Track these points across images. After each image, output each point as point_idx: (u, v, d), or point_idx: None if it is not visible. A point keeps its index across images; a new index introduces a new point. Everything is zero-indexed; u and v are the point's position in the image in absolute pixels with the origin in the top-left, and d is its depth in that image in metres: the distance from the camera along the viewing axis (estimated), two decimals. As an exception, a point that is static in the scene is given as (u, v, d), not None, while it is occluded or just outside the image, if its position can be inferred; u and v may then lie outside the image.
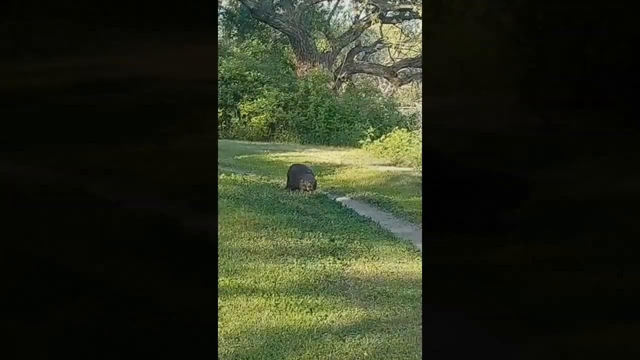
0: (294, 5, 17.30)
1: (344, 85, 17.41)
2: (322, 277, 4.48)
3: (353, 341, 3.45)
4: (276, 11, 17.18)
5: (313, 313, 3.82)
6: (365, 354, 3.33)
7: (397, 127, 12.53)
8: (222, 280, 4.18)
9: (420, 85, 19.53)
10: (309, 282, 4.38)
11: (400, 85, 19.61)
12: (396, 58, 19.55)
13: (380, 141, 11.80)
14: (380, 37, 19.42)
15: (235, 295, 4.02)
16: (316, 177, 8.87)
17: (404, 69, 19.16)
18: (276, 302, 3.94)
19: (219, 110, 13.77)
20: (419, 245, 5.08)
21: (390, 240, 5.54)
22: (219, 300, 3.57)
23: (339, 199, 7.38)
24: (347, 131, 14.09)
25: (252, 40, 17.67)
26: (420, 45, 17.62)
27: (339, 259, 4.90)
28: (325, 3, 19.16)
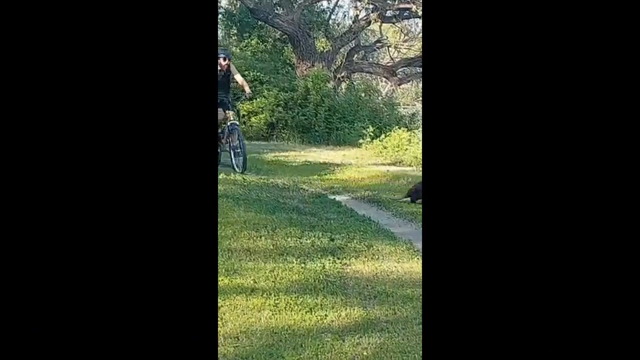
0: (294, 4, 17.30)
1: (343, 84, 17.40)
2: (321, 276, 4.48)
3: (353, 341, 3.45)
4: (275, 11, 17.18)
5: (313, 312, 3.82)
6: (365, 353, 3.33)
7: (396, 127, 12.55)
8: (222, 280, 4.18)
9: (420, 85, 19.57)
10: (309, 281, 4.38)
11: (399, 85, 19.62)
12: (395, 57, 19.57)
13: (379, 140, 11.82)
14: (379, 36, 19.43)
15: (234, 295, 4.02)
16: (315, 177, 8.89)
17: (404, 68, 19.17)
18: (276, 301, 3.94)
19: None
20: (419, 245, 5.08)
21: (390, 240, 5.55)
22: (218, 300, 3.57)
23: (338, 199, 7.38)
24: (346, 131, 14.09)
25: (252, 39, 17.66)
26: (419, 45, 17.64)
27: (338, 258, 4.90)
28: (325, 2, 19.19)
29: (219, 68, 8.95)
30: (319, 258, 4.87)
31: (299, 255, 4.90)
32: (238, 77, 9.26)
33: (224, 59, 8.98)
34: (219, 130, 8.95)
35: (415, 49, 18.75)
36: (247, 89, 9.57)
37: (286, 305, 3.90)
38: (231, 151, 8.89)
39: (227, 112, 8.94)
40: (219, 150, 8.99)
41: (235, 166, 8.76)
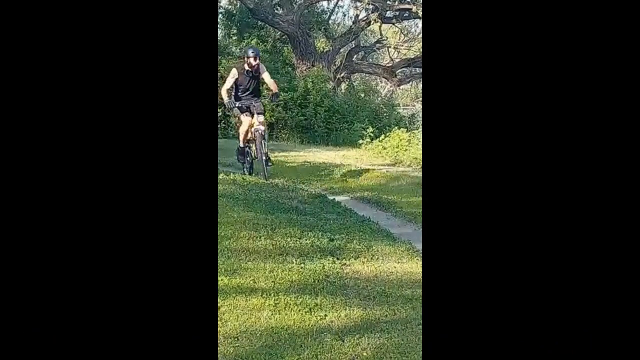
0: (294, 4, 17.30)
1: (343, 85, 17.41)
2: (321, 277, 4.48)
3: (352, 341, 3.45)
4: (275, 11, 17.18)
5: (312, 313, 3.82)
6: (365, 354, 3.33)
7: (396, 127, 12.55)
8: (222, 280, 4.18)
9: (419, 86, 19.59)
10: (308, 282, 4.38)
11: (399, 86, 19.64)
12: (395, 58, 19.59)
13: (379, 141, 11.82)
14: (379, 37, 19.45)
15: (234, 295, 4.02)
16: (315, 177, 8.88)
17: (403, 69, 19.19)
18: (275, 301, 3.94)
19: (218, 110, 13.80)
20: (419, 246, 5.08)
21: (390, 240, 5.54)
22: (218, 300, 3.57)
23: (338, 199, 7.38)
24: (346, 131, 14.10)
25: (252, 40, 17.66)
26: (419, 45, 17.66)
27: (338, 258, 4.90)
28: (325, 3, 19.20)
29: (247, 68, 8.31)
30: (318, 258, 4.86)
31: (299, 256, 4.90)
32: (266, 77, 8.44)
33: (255, 58, 8.23)
34: (249, 138, 8.49)
35: (415, 49, 18.77)
36: (274, 89, 8.64)
37: (286, 305, 3.90)
38: (261, 159, 8.31)
39: (253, 117, 8.33)
40: (249, 159, 8.62)
41: (266, 174, 8.22)
